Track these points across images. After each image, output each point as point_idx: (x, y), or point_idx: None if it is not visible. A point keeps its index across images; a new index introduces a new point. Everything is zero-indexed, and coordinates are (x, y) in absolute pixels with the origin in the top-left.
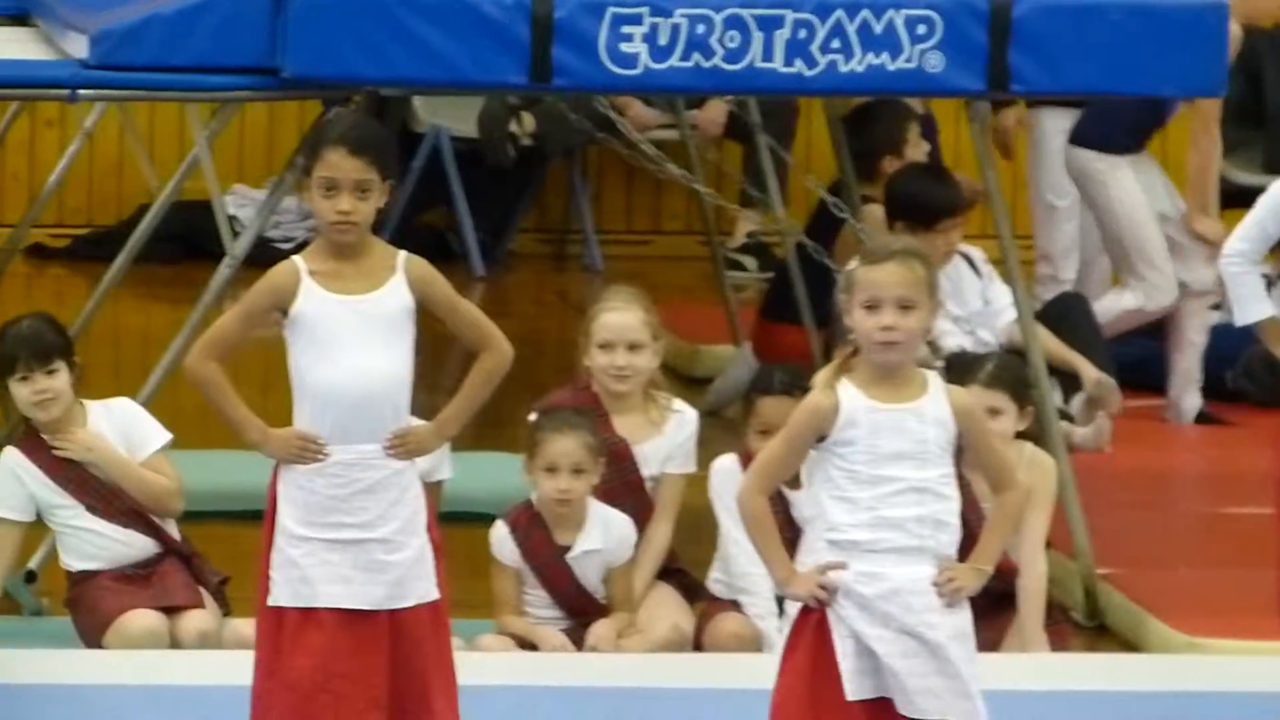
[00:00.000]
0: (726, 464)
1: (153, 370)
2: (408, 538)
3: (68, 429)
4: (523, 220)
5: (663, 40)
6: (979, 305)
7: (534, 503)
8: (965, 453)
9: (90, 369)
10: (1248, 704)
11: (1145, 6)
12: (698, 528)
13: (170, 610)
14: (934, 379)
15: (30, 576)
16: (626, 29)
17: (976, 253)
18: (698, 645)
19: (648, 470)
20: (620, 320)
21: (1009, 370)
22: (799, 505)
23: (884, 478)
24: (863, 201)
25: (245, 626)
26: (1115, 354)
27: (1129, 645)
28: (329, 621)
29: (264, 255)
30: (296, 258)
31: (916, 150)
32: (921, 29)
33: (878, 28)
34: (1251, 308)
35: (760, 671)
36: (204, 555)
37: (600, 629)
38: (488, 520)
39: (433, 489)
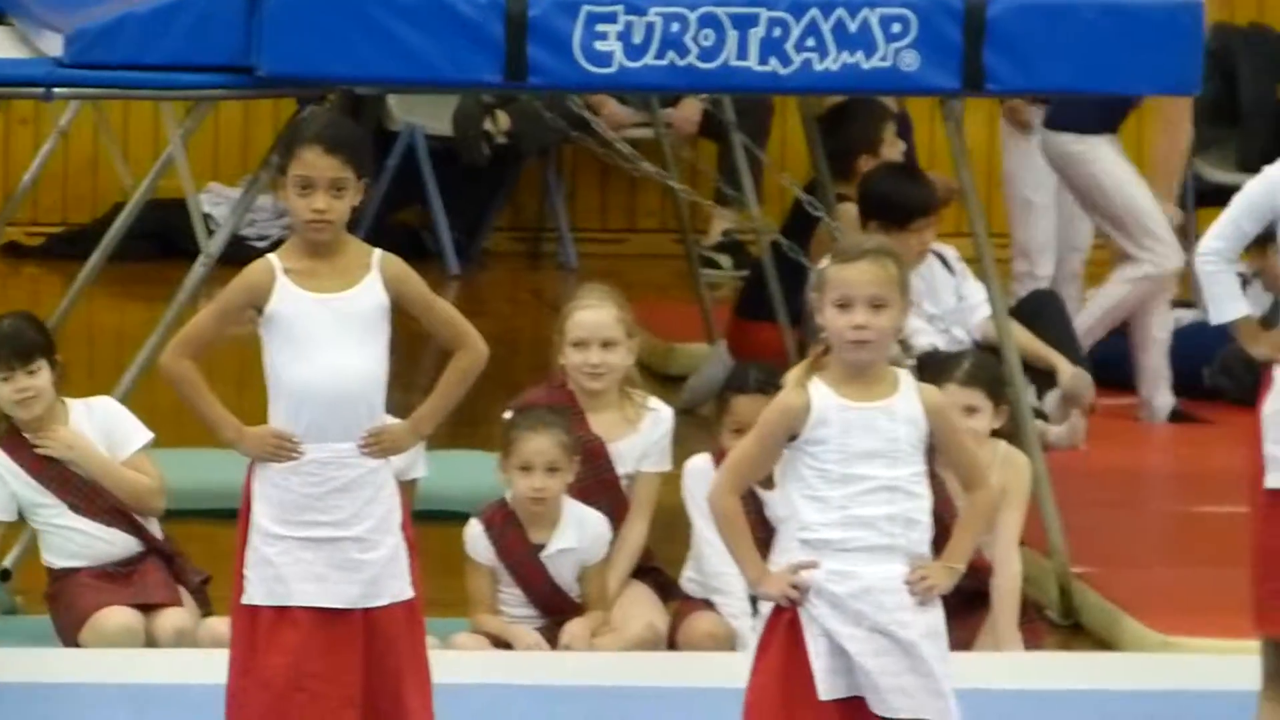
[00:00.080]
0: (700, 464)
1: (128, 368)
2: (382, 536)
3: (49, 427)
4: (497, 218)
5: (637, 39)
6: (953, 303)
7: (509, 501)
8: (937, 451)
9: (65, 367)
10: (1222, 702)
11: (1119, 5)
12: (673, 526)
13: (148, 608)
14: (905, 377)
15: (5, 575)
16: (601, 27)
17: (950, 251)
18: (672, 644)
19: (623, 468)
20: (594, 318)
21: (985, 368)
22: (772, 505)
23: (855, 476)
24: (838, 200)
25: (221, 625)
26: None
27: (1104, 644)
28: (303, 620)
29: (239, 253)
30: (271, 256)
31: (892, 149)
32: (896, 28)
33: (852, 26)
34: (1227, 306)
35: (734, 670)
36: (186, 554)
37: (574, 628)
38: (462, 518)
39: (407, 487)
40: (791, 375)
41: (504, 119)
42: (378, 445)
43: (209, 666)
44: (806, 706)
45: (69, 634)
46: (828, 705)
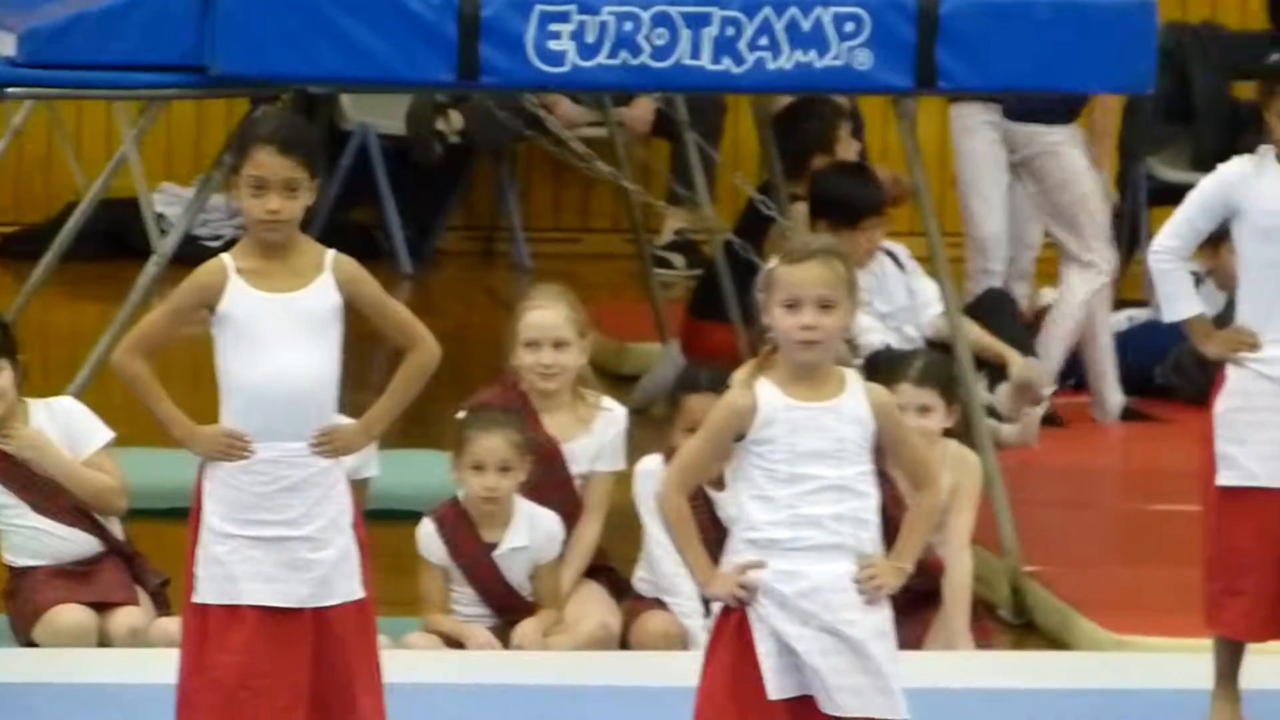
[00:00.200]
0: (651, 465)
1: (81, 367)
2: (332, 536)
3: (11, 427)
4: (450, 218)
5: (590, 38)
6: (905, 300)
7: (461, 500)
8: (884, 451)
9: (27, 367)
10: (1175, 701)
11: (1072, 3)
12: (626, 526)
13: (104, 607)
14: (852, 377)
15: None
16: (554, 26)
17: (900, 248)
18: (624, 643)
19: (577, 468)
20: (545, 318)
21: (938, 367)
22: (723, 505)
23: (802, 476)
24: (793, 200)
25: (173, 624)
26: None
27: (1056, 643)
28: (252, 619)
29: (192, 253)
30: (224, 255)
31: (847, 149)
32: (849, 26)
33: (805, 25)
34: (1180, 305)
35: (686, 670)
36: (145, 555)
37: (526, 627)
38: (415, 518)
39: (359, 486)
40: (738, 375)
41: (457, 118)
42: (329, 445)
43: (162, 666)
44: (756, 706)
45: (24, 631)
46: (777, 705)
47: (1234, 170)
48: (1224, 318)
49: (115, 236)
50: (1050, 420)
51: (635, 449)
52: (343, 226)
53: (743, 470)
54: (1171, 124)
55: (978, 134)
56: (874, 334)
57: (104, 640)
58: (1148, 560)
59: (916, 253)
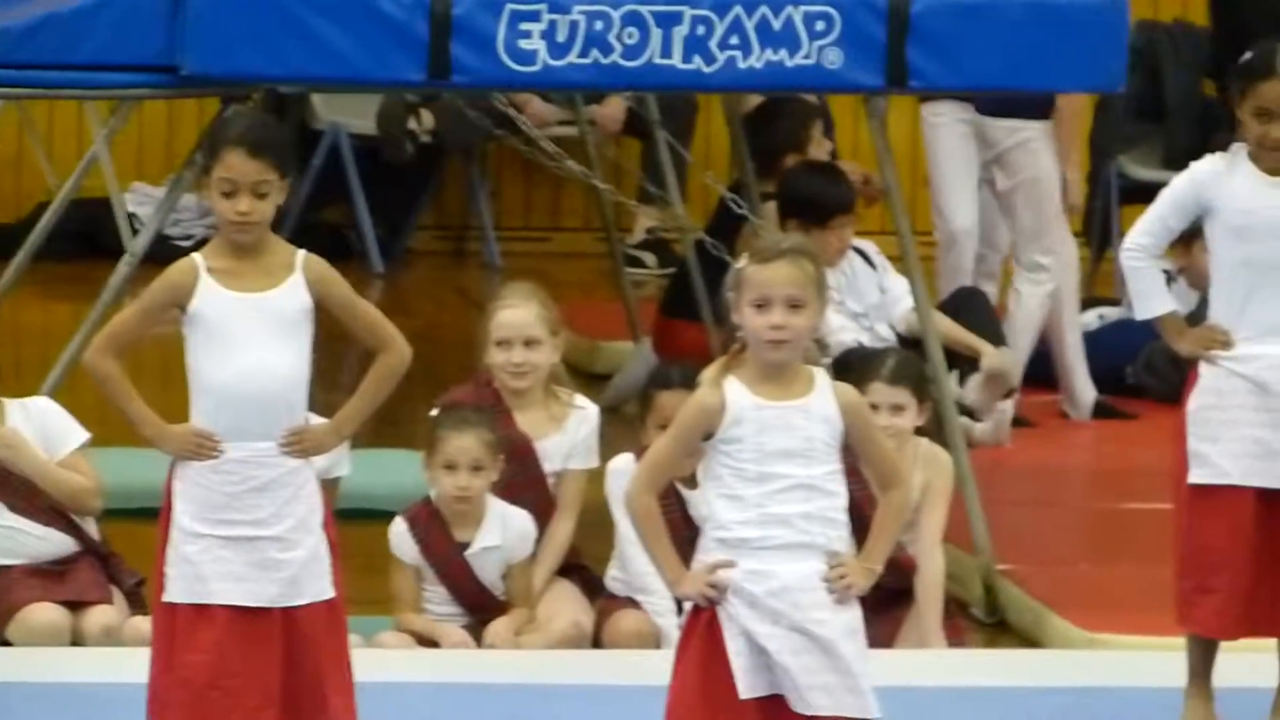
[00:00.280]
0: (623, 463)
1: (53, 367)
2: (302, 536)
3: None
4: (421, 217)
5: (561, 37)
6: (876, 297)
7: (433, 500)
8: (853, 450)
9: (3, 368)
10: (1147, 699)
11: (1044, 2)
12: (599, 524)
13: (77, 606)
14: (821, 376)
15: None
16: (525, 26)
17: (870, 246)
18: (597, 642)
19: (549, 466)
20: (516, 317)
21: (910, 366)
22: (696, 504)
23: (771, 475)
24: (765, 199)
25: (146, 624)
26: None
27: (1028, 641)
28: (221, 618)
29: (163, 252)
30: (195, 255)
31: (819, 148)
32: (820, 25)
33: (776, 24)
34: (1153, 302)
35: (659, 669)
36: (121, 555)
37: (498, 626)
38: (387, 517)
39: (330, 486)
40: (707, 374)
41: (428, 117)
42: (298, 445)
43: (134, 665)
44: (727, 706)
45: None
46: (748, 704)
47: (1206, 168)
48: (1196, 316)
49: (87, 236)
50: (1019, 422)
51: (607, 447)
52: (314, 226)
53: (711, 469)
54: (1143, 122)
55: (949, 131)
56: (846, 333)
57: (78, 639)
58: (1120, 559)
59: (887, 252)
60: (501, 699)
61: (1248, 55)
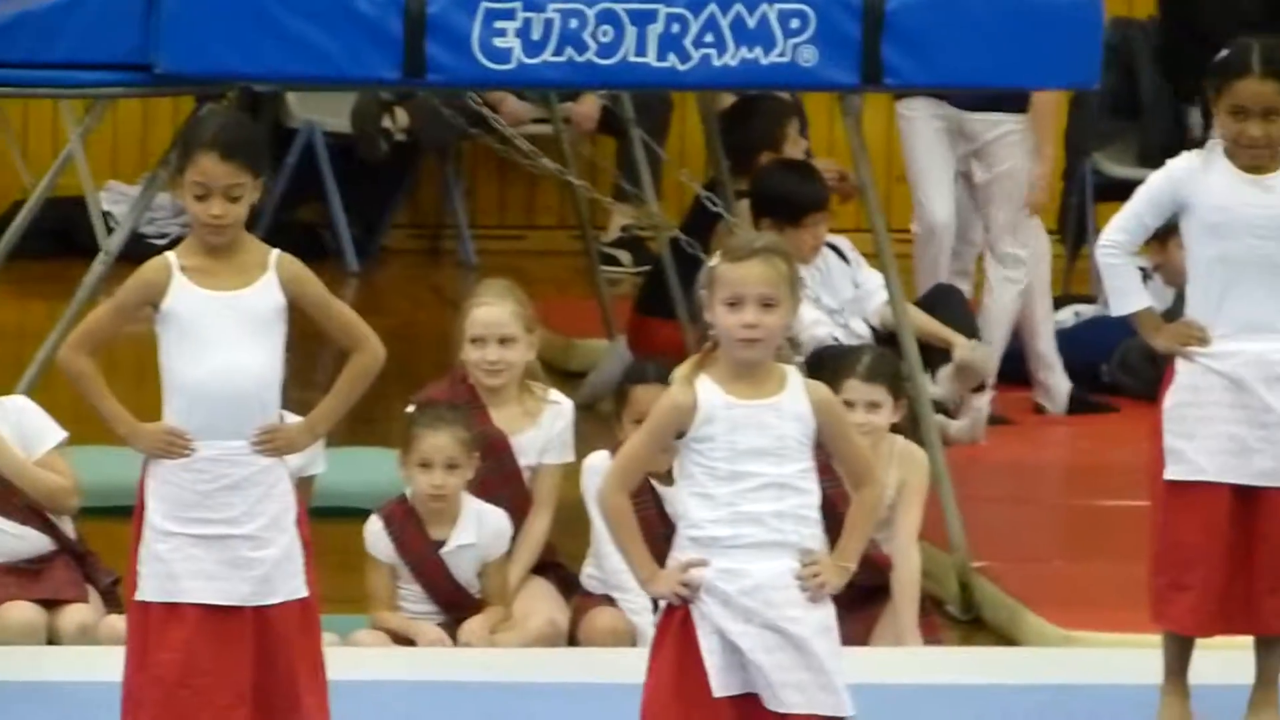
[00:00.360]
0: (599, 461)
1: (28, 366)
2: (275, 534)
3: None
4: (396, 215)
5: (536, 35)
6: (851, 293)
7: (408, 498)
8: (825, 448)
9: None
10: (1123, 697)
11: None
12: (574, 521)
13: (53, 605)
14: (793, 374)
15: None
16: (499, 24)
17: (843, 241)
18: (572, 640)
19: (525, 461)
20: (491, 315)
21: (885, 363)
22: (672, 501)
23: (743, 473)
24: (740, 196)
25: (122, 622)
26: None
27: (1004, 639)
28: (193, 617)
29: (138, 251)
30: (169, 254)
31: (795, 147)
32: (795, 23)
33: (751, 22)
34: (1129, 298)
35: (635, 667)
36: (97, 554)
37: (473, 624)
38: (362, 515)
39: (305, 484)
40: (679, 372)
41: (403, 116)
42: (271, 444)
43: (110, 663)
44: (701, 704)
45: None
46: (722, 702)
47: (1182, 165)
48: (1172, 313)
49: (62, 234)
50: (996, 420)
51: (583, 445)
52: (288, 225)
53: (684, 468)
54: (1118, 119)
55: (925, 125)
56: (820, 327)
57: (53, 638)
58: (1096, 556)
59: (863, 248)
60: (477, 697)
61: (1224, 53)
